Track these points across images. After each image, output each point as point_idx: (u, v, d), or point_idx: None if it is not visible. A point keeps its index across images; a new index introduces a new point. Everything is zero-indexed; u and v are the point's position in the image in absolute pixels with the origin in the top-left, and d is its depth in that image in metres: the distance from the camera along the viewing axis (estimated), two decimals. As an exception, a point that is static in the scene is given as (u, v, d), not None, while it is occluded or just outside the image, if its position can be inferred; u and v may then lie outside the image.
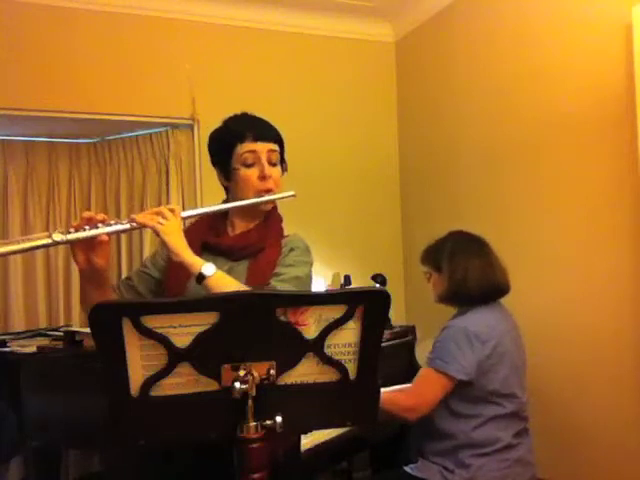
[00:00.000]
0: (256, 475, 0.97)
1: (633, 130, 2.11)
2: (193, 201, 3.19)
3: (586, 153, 2.36)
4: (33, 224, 3.26)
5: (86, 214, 1.30)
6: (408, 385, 2.25)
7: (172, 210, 1.38)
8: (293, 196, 1.53)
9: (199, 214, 1.50)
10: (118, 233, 1.36)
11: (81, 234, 1.27)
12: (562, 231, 2.48)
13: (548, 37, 2.52)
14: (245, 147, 1.50)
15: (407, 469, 1.96)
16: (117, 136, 3.34)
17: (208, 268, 1.34)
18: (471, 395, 1.89)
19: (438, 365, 1.88)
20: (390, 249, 3.52)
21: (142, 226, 1.35)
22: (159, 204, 3.26)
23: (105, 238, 1.30)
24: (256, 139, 1.50)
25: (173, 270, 1.48)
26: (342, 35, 3.50)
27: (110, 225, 1.31)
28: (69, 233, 1.26)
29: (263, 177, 1.49)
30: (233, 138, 1.51)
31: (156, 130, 3.26)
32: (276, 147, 1.54)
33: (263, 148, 1.50)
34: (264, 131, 1.53)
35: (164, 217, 1.36)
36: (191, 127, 3.18)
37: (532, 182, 2.63)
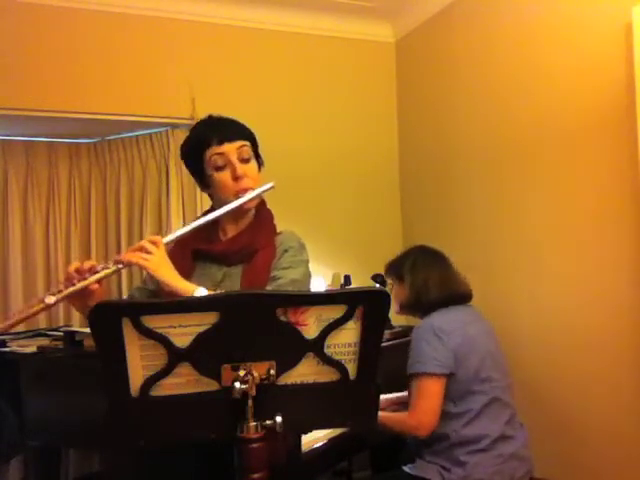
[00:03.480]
0: (256, 475, 0.97)
1: (633, 131, 2.10)
2: (193, 201, 3.19)
3: (586, 154, 2.35)
4: (33, 224, 3.26)
5: (72, 267, 1.32)
6: (404, 394, 2.27)
7: (154, 242, 1.37)
8: (272, 187, 1.49)
9: (181, 234, 1.45)
10: (107, 278, 1.36)
11: (71, 289, 1.29)
12: (561, 232, 2.47)
13: (548, 37, 2.52)
14: (212, 151, 1.47)
15: (406, 469, 1.97)
16: (117, 136, 3.33)
17: (200, 293, 1.33)
18: (455, 391, 1.91)
19: (418, 369, 1.91)
20: (390, 249, 3.48)
21: (129, 265, 1.36)
22: (159, 204, 3.27)
23: (96, 286, 1.32)
24: (221, 141, 1.47)
25: None
26: (342, 35, 3.50)
27: (97, 272, 1.32)
28: (59, 292, 1.28)
29: (236, 177, 1.47)
30: (199, 145, 1.50)
31: (156, 130, 3.26)
32: (246, 143, 1.50)
33: (231, 149, 1.47)
34: (228, 132, 1.49)
35: (147, 252, 1.35)
36: (191, 127, 3.17)
37: (532, 182, 2.62)
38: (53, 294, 1.27)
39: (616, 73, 2.19)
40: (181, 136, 3.20)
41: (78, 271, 1.31)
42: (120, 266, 1.35)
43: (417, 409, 1.91)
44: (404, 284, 2.11)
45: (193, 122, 3.09)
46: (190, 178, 3.22)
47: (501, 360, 2.04)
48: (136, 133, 3.30)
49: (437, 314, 2.01)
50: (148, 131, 3.28)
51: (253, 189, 1.48)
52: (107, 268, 1.33)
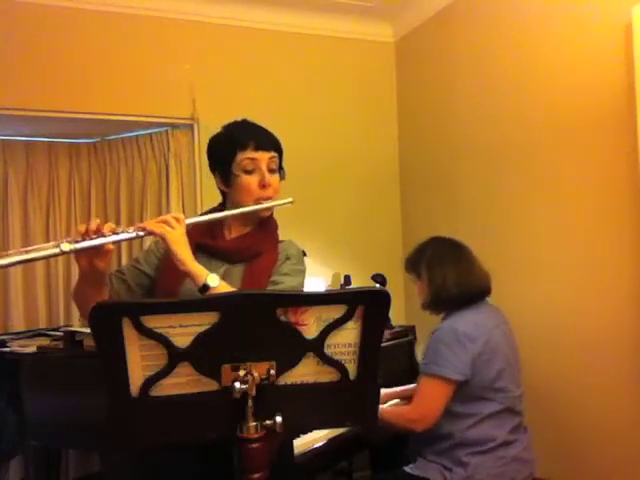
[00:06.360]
0: (256, 475, 0.97)
1: (633, 130, 2.10)
2: (193, 201, 3.19)
3: (586, 154, 2.35)
4: (33, 224, 3.26)
5: (93, 224, 1.31)
6: (408, 387, 2.26)
7: (177, 219, 1.39)
8: (291, 202, 1.56)
9: (203, 221, 1.52)
10: (124, 241, 1.36)
11: (89, 243, 1.28)
12: (562, 232, 2.48)
13: (548, 37, 2.52)
14: (246, 154, 1.51)
15: (407, 469, 1.97)
16: (117, 136, 3.33)
17: (213, 279, 1.35)
18: (466, 394, 1.90)
19: (434, 370, 1.89)
20: (390, 249, 3.52)
21: (150, 233, 1.36)
22: (159, 204, 3.27)
23: (111, 247, 1.32)
24: (257, 148, 1.52)
25: (167, 271, 1.49)
26: (342, 35, 3.50)
27: (117, 234, 1.32)
28: (77, 242, 1.26)
29: (263, 185, 1.52)
30: (235, 145, 1.52)
31: (156, 130, 3.26)
32: (276, 155, 1.56)
33: (263, 157, 1.52)
34: (265, 140, 1.55)
35: (170, 225, 1.37)
36: (191, 127, 3.18)
37: (532, 182, 2.62)
38: (70, 242, 1.25)
39: (616, 73, 2.19)
40: (181, 136, 3.23)
41: (97, 230, 1.30)
42: (141, 233, 1.35)
43: (422, 404, 1.91)
44: (422, 282, 2.06)
45: (193, 122, 3.16)
46: (190, 178, 3.28)
47: (517, 368, 2.01)
48: (136, 133, 3.31)
49: (460, 317, 1.97)
50: (148, 131, 3.28)
51: (273, 199, 1.54)
52: (127, 232, 1.33)
